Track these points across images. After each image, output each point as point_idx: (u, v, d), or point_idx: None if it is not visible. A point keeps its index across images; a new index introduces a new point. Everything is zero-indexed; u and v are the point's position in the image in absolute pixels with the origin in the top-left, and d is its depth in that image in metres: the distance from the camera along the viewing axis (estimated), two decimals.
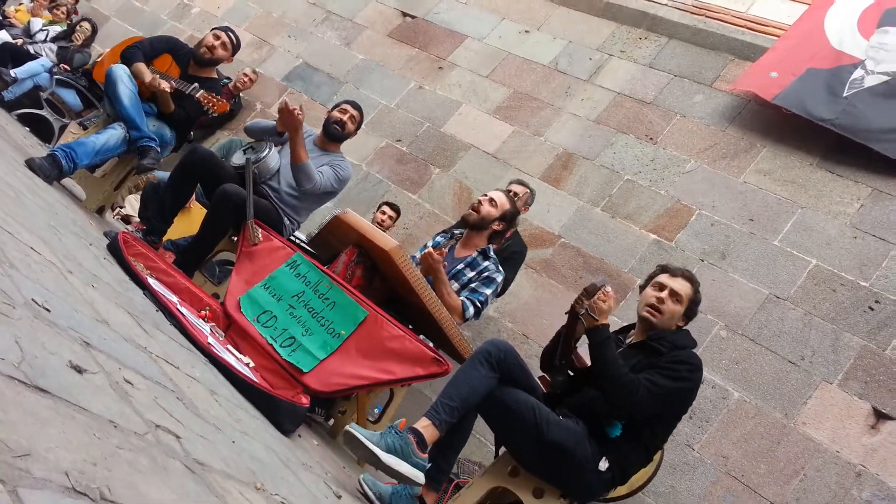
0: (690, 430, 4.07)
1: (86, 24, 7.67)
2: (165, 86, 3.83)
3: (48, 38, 7.61)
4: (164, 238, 3.79)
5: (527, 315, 4.87)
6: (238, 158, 3.75)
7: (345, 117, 3.91)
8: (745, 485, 3.86)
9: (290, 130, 3.62)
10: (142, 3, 9.10)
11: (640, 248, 4.84)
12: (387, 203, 5.47)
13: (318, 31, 7.49)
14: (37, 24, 7.73)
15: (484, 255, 3.53)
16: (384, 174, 6.08)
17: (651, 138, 5.31)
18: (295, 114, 3.54)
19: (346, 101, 4.03)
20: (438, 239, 3.70)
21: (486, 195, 3.54)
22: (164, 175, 5.33)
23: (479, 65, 6.37)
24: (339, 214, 3.29)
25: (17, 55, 7.20)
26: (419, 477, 2.27)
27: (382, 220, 5.33)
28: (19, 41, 7.37)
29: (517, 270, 4.52)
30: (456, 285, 3.44)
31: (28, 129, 6.91)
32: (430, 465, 2.35)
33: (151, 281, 2.81)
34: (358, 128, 4.00)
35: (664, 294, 2.62)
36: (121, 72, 3.91)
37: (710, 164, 5.00)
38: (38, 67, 7.13)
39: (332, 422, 3.38)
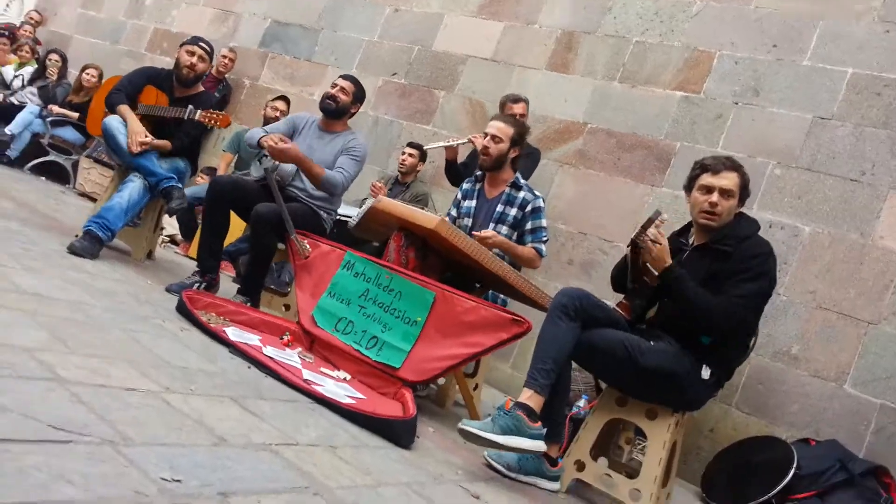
0: None
1: (54, 56, 7.51)
2: (146, 141, 3.81)
3: (25, 83, 7.51)
4: None
5: (577, 212, 4.85)
6: (257, 171, 3.74)
7: (334, 91, 3.82)
8: (838, 313, 3.90)
9: (290, 162, 3.57)
10: (96, 11, 8.83)
11: (669, 109, 4.69)
12: (408, 144, 5.38)
13: None
14: (8, 72, 7.61)
15: (515, 186, 3.51)
16: (392, 113, 5.96)
17: None
18: (280, 147, 3.47)
19: (340, 76, 3.92)
20: (466, 186, 3.67)
21: (486, 134, 3.46)
22: (191, 192, 5.38)
23: None
24: (374, 205, 3.28)
25: (4, 111, 7.17)
26: (540, 446, 2.39)
27: (404, 161, 5.26)
28: (0, 97, 7.31)
29: (531, 165, 4.49)
30: (504, 228, 3.45)
31: (44, 178, 7.02)
32: (544, 427, 2.47)
33: (230, 331, 2.91)
34: (357, 100, 3.88)
35: (714, 197, 2.58)
36: (115, 123, 3.88)
37: (717, 0, 4.72)
38: (29, 116, 7.10)
39: (433, 389, 3.53)
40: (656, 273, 2.54)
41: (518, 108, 4.51)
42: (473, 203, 3.58)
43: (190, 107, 3.88)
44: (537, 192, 3.54)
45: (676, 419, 2.60)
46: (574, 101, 5.08)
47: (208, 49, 4.15)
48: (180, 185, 3.97)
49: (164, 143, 3.93)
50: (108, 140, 3.92)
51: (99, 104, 4.32)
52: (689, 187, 2.72)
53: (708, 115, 4.55)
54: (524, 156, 4.32)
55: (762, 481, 3.42)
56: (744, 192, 2.64)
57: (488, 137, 3.45)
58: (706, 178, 2.62)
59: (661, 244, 2.51)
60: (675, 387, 2.52)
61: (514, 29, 5.51)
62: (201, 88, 4.25)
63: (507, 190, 3.51)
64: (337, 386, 2.73)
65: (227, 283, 4.07)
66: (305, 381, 2.62)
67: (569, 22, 5.26)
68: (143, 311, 2.84)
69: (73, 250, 3.43)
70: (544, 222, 3.50)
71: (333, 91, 3.82)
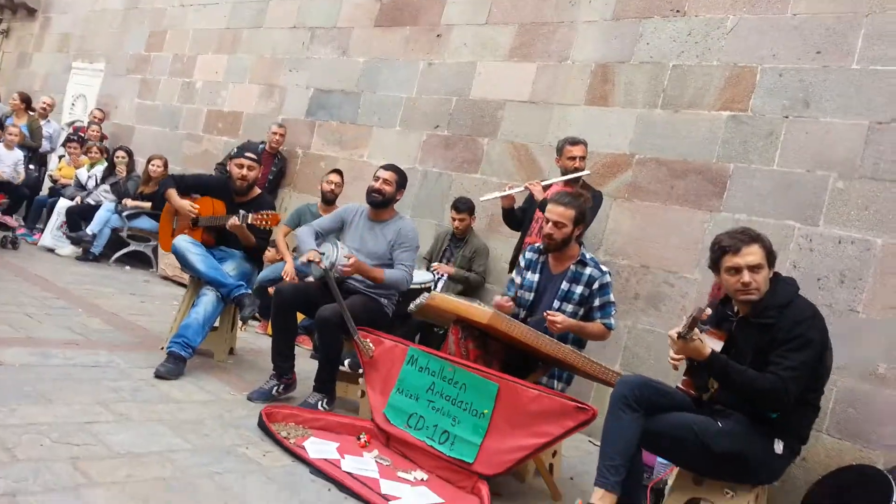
0: (848, 296, 3.93)
1: (120, 154, 7.97)
2: (196, 209, 4.25)
3: (98, 182, 8.00)
4: None
5: (637, 245, 4.79)
6: (316, 272, 3.88)
7: (377, 184, 3.93)
8: None
9: (356, 274, 3.73)
10: (151, 100, 9.32)
11: (717, 131, 4.57)
12: (453, 206, 5.40)
13: (312, 52, 7.39)
14: (82, 174, 8.13)
15: (581, 263, 3.49)
16: (439, 166, 6.04)
17: (678, 10, 4.90)
18: (344, 269, 3.63)
19: (380, 168, 4.01)
20: (529, 256, 3.68)
21: (548, 220, 3.44)
22: (262, 276, 5.61)
23: (472, 15, 6.07)
24: (427, 302, 3.36)
25: (84, 213, 7.67)
26: None
27: (458, 227, 5.33)
28: (77, 199, 7.80)
29: (594, 211, 4.40)
30: (570, 307, 3.44)
31: (128, 266, 7.48)
32: None
33: (309, 445, 3.06)
34: (400, 186, 3.98)
35: (745, 276, 2.56)
36: (183, 243, 4.14)
37: (751, 11, 4.57)
38: (106, 214, 7.57)
39: None
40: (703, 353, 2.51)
41: (578, 151, 4.50)
42: (537, 277, 3.59)
43: (241, 212, 4.08)
44: (604, 267, 3.51)
45: (756, 493, 2.56)
46: (618, 133, 5.02)
47: (254, 157, 4.36)
48: (250, 291, 4.17)
49: (250, 238, 4.19)
50: (179, 258, 4.18)
51: (166, 223, 4.58)
52: (714, 269, 2.68)
53: (759, 133, 4.41)
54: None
55: None
56: (770, 257, 2.59)
57: (550, 224, 3.43)
58: (730, 260, 2.59)
59: (698, 339, 2.47)
60: (749, 467, 2.49)
61: (547, 68, 5.49)
62: (257, 192, 4.46)
63: (573, 267, 3.49)
64: (414, 493, 2.82)
65: (305, 362, 4.19)
66: (384, 496, 2.72)
67: (602, 54, 5.21)
68: (228, 438, 3.02)
69: (159, 375, 3.67)
70: (612, 297, 3.49)
71: (377, 185, 3.92)
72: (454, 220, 5.32)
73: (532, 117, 5.50)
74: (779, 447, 2.48)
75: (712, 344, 2.70)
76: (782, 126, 4.32)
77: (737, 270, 2.57)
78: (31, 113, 8.74)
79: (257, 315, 6.02)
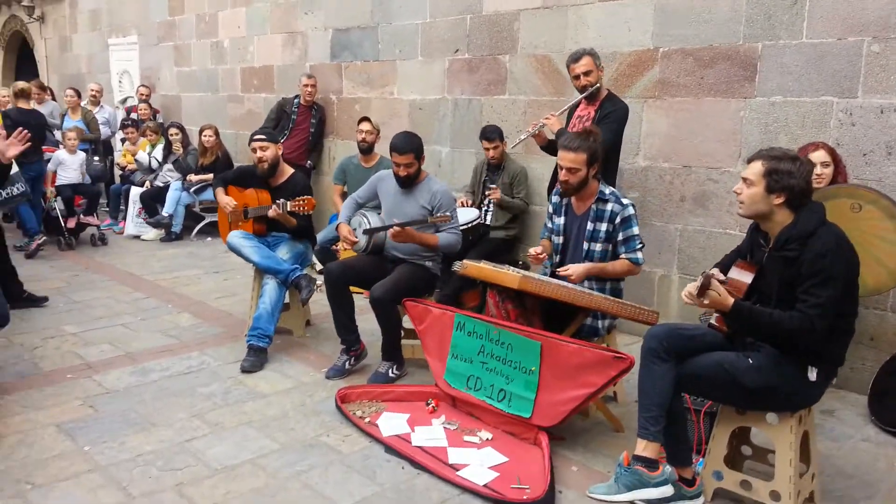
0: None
1: (172, 130, 8.29)
2: (236, 206, 4.51)
3: (161, 162, 8.39)
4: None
5: (675, 146, 4.68)
6: (359, 247, 4.08)
7: (400, 171, 3.94)
8: None
9: (408, 241, 3.87)
10: (187, 65, 9.47)
11: (739, 8, 4.29)
12: (484, 136, 5.38)
13: None
14: (144, 157, 8.53)
15: (601, 200, 3.50)
16: (467, 92, 5.97)
17: None
18: (395, 234, 3.80)
19: (392, 150, 3.99)
20: (555, 200, 3.71)
21: (561, 167, 3.43)
22: (321, 238, 5.90)
23: None
24: (459, 271, 3.51)
25: (157, 196, 8.12)
26: (666, 492, 2.61)
27: (492, 155, 5.33)
28: (147, 183, 8.24)
29: (620, 124, 4.31)
30: (598, 245, 3.48)
31: (209, 237, 7.95)
32: (668, 468, 2.67)
33: (381, 422, 3.38)
34: (419, 157, 3.97)
35: (737, 186, 2.62)
36: (235, 239, 4.43)
37: None
38: (176, 194, 8.01)
39: None
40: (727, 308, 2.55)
41: (580, 67, 4.33)
42: (562, 220, 3.64)
43: (280, 201, 4.28)
44: (625, 200, 3.50)
45: (798, 416, 2.66)
46: (638, 27, 4.79)
47: (264, 136, 4.50)
48: (305, 273, 4.45)
49: (290, 220, 4.40)
50: (235, 253, 4.48)
51: (223, 217, 4.85)
52: None
53: (782, 4, 4.12)
54: (610, 117, 4.21)
55: None
56: (773, 180, 2.50)
57: (564, 171, 3.43)
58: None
59: (715, 294, 2.50)
60: (783, 398, 2.57)
61: None
62: (289, 173, 4.63)
63: (594, 206, 3.51)
64: (481, 455, 3.10)
65: (368, 322, 4.46)
66: (451, 465, 3.01)
67: None
68: (311, 428, 3.37)
69: (244, 370, 4.07)
70: (636, 230, 3.47)
71: (400, 171, 3.92)
72: (487, 149, 5.33)
73: (548, 24, 5.30)
74: (812, 374, 2.54)
75: (743, 277, 2.72)
76: None
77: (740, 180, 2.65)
78: (83, 105, 9.11)
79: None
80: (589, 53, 4.33)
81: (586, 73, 4.30)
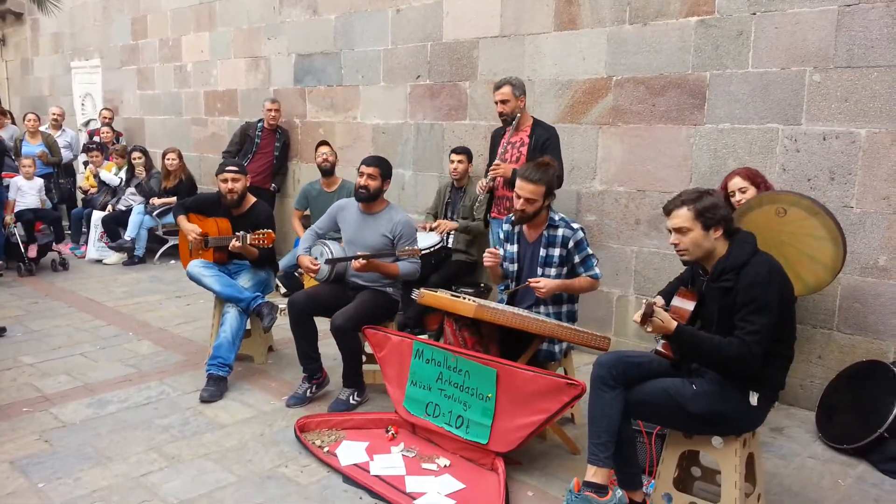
0: (840, 192, 3.92)
1: (135, 154, 8.24)
2: (199, 235, 4.51)
3: (124, 186, 8.33)
4: None
5: (630, 170, 4.80)
6: (321, 275, 4.11)
7: (362, 180, 4.02)
8: None
9: (371, 271, 3.96)
10: (151, 88, 9.44)
11: (688, 39, 4.44)
12: (454, 150, 5.48)
13: (285, 15, 7.31)
14: (111, 178, 8.44)
15: (552, 226, 3.59)
16: (430, 117, 6.05)
17: None
18: (358, 268, 3.88)
19: (362, 162, 4.08)
20: (506, 227, 3.80)
21: (518, 196, 3.51)
22: (283, 264, 5.91)
23: None
24: (418, 300, 3.56)
25: (119, 219, 8.05)
26: None
27: (455, 169, 5.40)
28: (108, 206, 8.16)
29: (560, 150, 4.57)
30: (553, 270, 3.57)
31: (173, 260, 7.90)
32: (619, 492, 2.73)
33: (340, 452, 3.40)
34: (385, 176, 4.05)
35: (672, 238, 2.70)
36: (195, 269, 4.43)
37: None
38: (138, 217, 7.95)
39: None
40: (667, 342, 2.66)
41: (498, 96, 4.63)
42: (515, 248, 3.73)
43: (241, 233, 4.29)
44: (574, 224, 3.60)
45: (743, 439, 2.74)
46: (592, 56, 4.92)
47: (236, 168, 4.51)
48: (268, 301, 4.46)
49: (254, 253, 4.40)
50: (195, 282, 4.48)
51: (184, 245, 4.83)
52: None
53: (728, 35, 4.27)
54: (547, 146, 4.41)
55: (868, 418, 3.46)
56: (706, 219, 2.61)
57: (522, 200, 3.50)
58: (667, 223, 2.72)
59: (663, 316, 2.59)
60: (727, 422, 2.66)
61: None
62: (251, 202, 4.64)
63: (546, 232, 3.60)
64: (438, 483, 3.13)
65: (328, 347, 4.50)
66: (409, 494, 3.04)
67: None
68: (269, 460, 3.37)
69: (203, 400, 4.05)
70: (589, 250, 3.60)
71: (362, 181, 4.02)
72: (452, 162, 5.39)
73: (506, 52, 5.41)
74: (754, 399, 2.62)
75: (685, 304, 2.83)
76: (751, 24, 4.17)
77: (670, 232, 2.70)
78: (43, 129, 9.01)
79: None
80: (510, 83, 4.58)
81: (503, 102, 4.59)
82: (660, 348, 2.84)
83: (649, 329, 2.60)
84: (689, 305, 2.82)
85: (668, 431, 2.92)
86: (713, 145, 4.39)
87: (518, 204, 3.53)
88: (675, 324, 2.62)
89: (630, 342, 4.82)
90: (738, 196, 3.73)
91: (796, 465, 3.43)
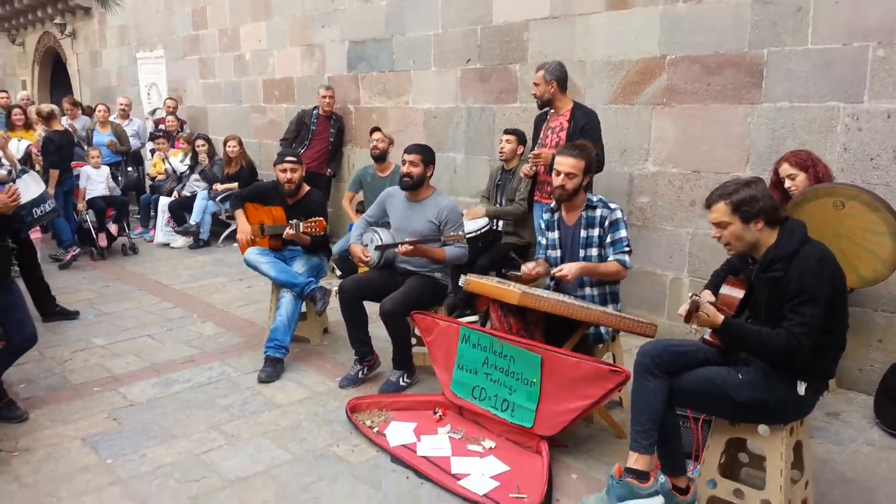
0: None
1: (199, 142, 8.52)
2: (251, 237, 4.69)
3: (188, 173, 8.63)
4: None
5: (684, 151, 4.71)
6: (371, 262, 4.20)
7: (405, 168, 4.09)
8: None
9: (418, 256, 4.04)
10: (212, 77, 9.71)
11: (744, 15, 4.31)
12: (504, 131, 5.48)
13: (338, 2, 7.40)
14: (176, 163, 8.78)
15: (589, 206, 3.60)
16: (480, 100, 6.06)
17: None
18: (404, 252, 3.97)
19: (404, 151, 4.15)
20: (546, 217, 3.82)
21: (558, 173, 3.53)
22: (337, 249, 6.06)
23: None
24: (463, 287, 3.61)
25: (184, 205, 8.37)
26: (657, 502, 2.66)
27: (502, 149, 5.38)
28: (175, 194, 8.49)
29: (600, 133, 4.53)
30: (594, 250, 3.58)
31: (235, 243, 8.15)
32: (662, 477, 2.74)
33: (389, 433, 3.50)
34: (429, 163, 4.12)
35: (713, 232, 2.66)
36: (252, 256, 4.59)
37: None
38: (202, 203, 8.24)
39: None
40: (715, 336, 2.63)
41: (534, 79, 4.65)
42: (556, 234, 3.74)
43: (293, 221, 4.42)
44: (612, 204, 3.60)
45: (790, 427, 2.70)
46: (645, 35, 4.82)
47: (294, 158, 4.63)
48: (321, 286, 4.58)
49: (306, 240, 4.55)
50: (253, 269, 4.64)
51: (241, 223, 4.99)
52: None
53: (786, 10, 4.12)
54: (586, 130, 4.38)
55: None
56: (744, 213, 2.55)
57: (562, 175, 3.54)
58: (709, 216, 2.67)
59: (711, 311, 2.57)
60: (773, 411, 2.61)
61: None
62: (306, 190, 4.76)
63: (584, 213, 3.61)
64: (483, 464, 3.20)
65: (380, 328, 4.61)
66: (454, 475, 3.11)
67: None
68: (322, 438, 3.50)
69: (261, 380, 4.22)
70: (623, 233, 3.57)
71: (405, 169, 4.10)
72: (500, 142, 5.38)
73: (557, 34, 5.35)
74: (801, 388, 2.57)
75: (734, 293, 2.78)
76: None
77: (713, 227, 2.65)
78: (112, 119, 9.38)
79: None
80: (543, 67, 4.60)
81: (535, 85, 4.61)
82: (707, 337, 2.81)
83: (695, 325, 2.58)
84: (739, 294, 2.77)
85: (714, 419, 2.89)
86: (771, 125, 4.27)
87: (558, 181, 3.55)
88: (721, 317, 2.58)
89: (682, 326, 4.74)
90: (787, 183, 3.63)
91: (851, 451, 3.35)
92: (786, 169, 3.67)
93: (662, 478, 2.77)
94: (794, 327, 2.46)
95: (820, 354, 2.56)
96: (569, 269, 3.46)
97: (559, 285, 3.70)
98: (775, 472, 2.68)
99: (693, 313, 2.54)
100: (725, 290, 2.80)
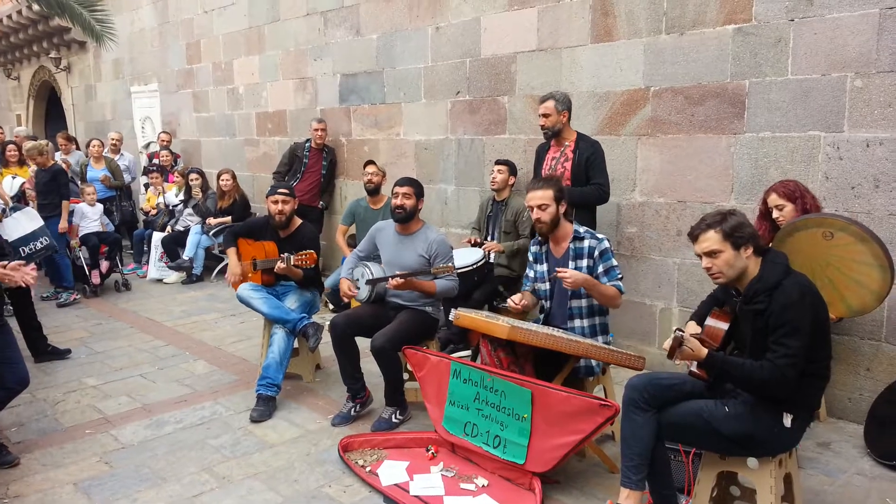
0: (885, 200, 3.83)
1: (192, 176, 8.58)
2: (238, 278, 4.70)
3: (182, 207, 8.67)
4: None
5: (670, 181, 4.76)
6: (361, 296, 4.22)
7: (398, 200, 4.13)
8: None
9: (408, 289, 4.06)
10: (206, 111, 9.79)
11: (725, 47, 4.38)
12: (496, 162, 5.53)
13: (329, 36, 7.49)
14: (171, 197, 8.83)
15: (577, 238, 3.64)
16: (469, 132, 6.12)
17: None
18: (394, 285, 3.99)
19: (395, 184, 4.19)
20: (534, 250, 3.86)
21: (530, 207, 3.62)
22: (330, 283, 6.08)
23: None
24: (454, 321, 3.63)
25: (178, 239, 8.40)
26: None
27: (494, 178, 5.42)
28: (168, 228, 8.52)
29: (604, 165, 4.53)
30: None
31: None
32: None
33: (382, 471, 3.49)
34: (419, 195, 4.16)
35: (703, 262, 2.67)
36: (245, 291, 4.60)
37: None
38: (196, 237, 8.27)
39: None
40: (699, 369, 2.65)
41: (541, 110, 4.63)
42: (545, 267, 3.77)
43: (284, 255, 4.44)
44: (599, 235, 3.65)
45: (779, 459, 2.71)
46: (629, 67, 4.90)
47: (287, 191, 4.67)
48: (313, 321, 4.60)
49: (298, 273, 4.56)
50: (245, 304, 4.65)
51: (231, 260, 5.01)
52: None
53: (767, 42, 4.20)
54: (591, 161, 4.40)
55: None
56: (735, 240, 2.60)
57: (535, 210, 3.61)
58: (694, 248, 2.70)
59: (695, 344, 2.59)
60: (761, 444, 2.63)
61: (547, 10, 5.35)
62: (297, 223, 4.79)
63: (572, 245, 3.65)
64: (476, 503, 3.19)
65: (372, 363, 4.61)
66: None
67: None
68: (314, 479, 3.49)
69: (253, 420, 4.21)
70: (614, 261, 3.61)
71: (397, 201, 4.13)
72: (492, 172, 5.42)
73: (544, 66, 5.43)
74: (787, 421, 2.59)
75: (719, 325, 2.83)
76: (789, 30, 4.09)
77: (700, 257, 2.67)
78: (105, 154, 9.42)
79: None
80: (553, 97, 4.57)
81: (546, 116, 4.59)
82: (694, 369, 2.82)
83: (678, 360, 2.60)
84: (723, 326, 2.81)
85: (704, 452, 2.90)
86: (754, 154, 4.32)
87: (534, 216, 3.61)
88: (705, 351, 2.61)
89: None
90: (775, 214, 3.68)
91: (842, 483, 3.35)
92: (774, 199, 3.71)
93: None
94: (777, 359, 2.48)
95: (804, 385, 2.58)
96: (572, 275, 3.47)
97: (547, 319, 3.72)
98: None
99: (677, 348, 2.57)
100: (710, 322, 2.83)
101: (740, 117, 4.36)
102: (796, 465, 2.89)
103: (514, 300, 3.70)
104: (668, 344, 2.61)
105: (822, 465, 3.52)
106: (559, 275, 3.51)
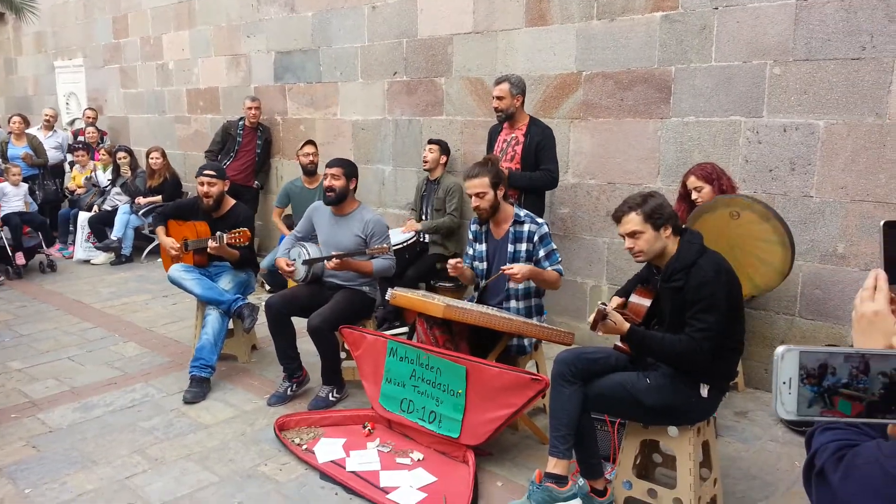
0: (800, 182, 4.03)
1: (120, 154, 8.31)
2: (177, 248, 4.63)
3: (110, 186, 8.40)
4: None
5: (600, 163, 4.90)
6: (298, 275, 4.22)
7: (327, 182, 4.13)
8: (874, 202, 3.82)
9: (345, 270, 4.07)
10: (134, 87, 9.48)
11: (653, 34, 4.52)
12: (428, 141, 5.58)
13: (263, 13, 7.35)
14: (101, 177, 8.53)
15: (517, 222, 3.71)
16: (407, 113, 6.13)
17: None
18: (333, 267, 4.00)
19: (326, 166, 4.20)
20: (474, 228, 3.92)
21: (469, 194, 3.68)
22: (266, 264, 6.03)
23: None
24: (390, 300, 3.67)
25: (105, 219, 8.14)
26: None
27: (426, 157, 5.48)
28: (94, 207, 8.24)
29: (555, 150, 4.58)
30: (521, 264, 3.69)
31: (159, 258, 7.97)
32: (581, 481, 2.87)
33: (318, 449, 3.52)
34: (351, 175, 4.16)
35: (626, 242, 2.80)
36: (176, 273, 4.53)
37: None
38: (125, 217, 8.03)
39: None
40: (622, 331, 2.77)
41: (495, 92, 4.62)
42: (484, 246, 3.84)
43: (217, 234, 4.39)
44: (539, 220, 3.73)
45: (697, 428, 2.87)
46: (562, 51, 4.99)
47: (214, 172, 4.59)
48: (248, 302, 4.56)
49: (234, 254, 4.52)
50: (176, 286, 4.58)
51: (164, 251, 4.91)
52: None
53: (692, 29, 4.35)
54: (541, 146, 4.46)
55: None
56: (654, 220, 2.72)
57: (474, 198, 3.67)
58: (618, 229, 2.82)
59: (611, 323, 2.72)
60: (680, 413, 2.78)
61: None
62: (231, 204, 4.73)
63: (512, 228, 3.72)
64: (411, 476, 3.26)
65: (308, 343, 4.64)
66: (382, 489, 3.17)
67: None
68: (249, 459, 3.49)
69: (186, 401, 4.17)
70: (554, 245, 3.71)
71: (327, 182, 4.14)
72: (424, 151, 5.48)
73: (480, 49, 5.48)
74: (704, 391, 2.74)
75: (642, 302, 2.96)
76: (713, 18, 4.25)
77: (623, 237, 2.80)
78: (30, 131, 9.03)
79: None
80: (508, 80, 4.56)
81: (499, 98, 4.59)
82: (619, 343, 2.96)
83: (601, 332, 2.72)
84: (646, 302, 2.94)
85: (628, 422, 3.04)
86: (679, 138, 4.49)
87: (473, 203, 3.66)
88: (627, 325, 2.74)
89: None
90: (694, 195, 3.84)
91: (756, 449, 3.56)
92: (692, 181, 3.87)
93: (581, 481, 2.90)
94: (694, 333, 2.62)
95: (719, 358, 2.73)
96: (519, 269, 3.54)
97: (483, 296, 3.80)
98: (685, 471, 2.84)
99: (600, 321, 2.68)
100: (634, 298, 2.97)
101: (666, 102, 4.52)
102: (714, 432, 3.06)
103: (454, 260, 3.74)
104: (592, 317, 2.72)
105: (738, 432, 3.73)
106: (507, 272, 3.57)
